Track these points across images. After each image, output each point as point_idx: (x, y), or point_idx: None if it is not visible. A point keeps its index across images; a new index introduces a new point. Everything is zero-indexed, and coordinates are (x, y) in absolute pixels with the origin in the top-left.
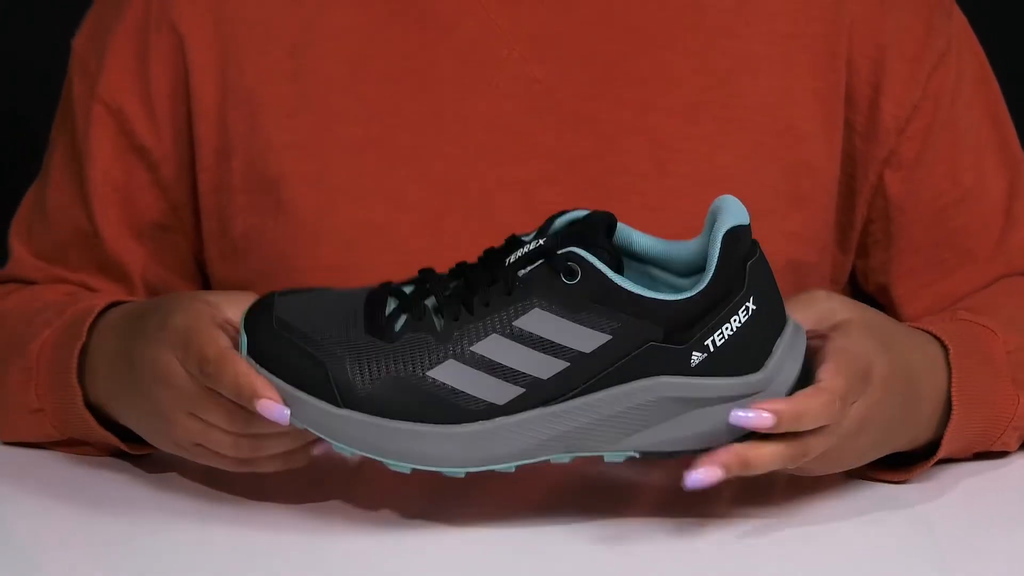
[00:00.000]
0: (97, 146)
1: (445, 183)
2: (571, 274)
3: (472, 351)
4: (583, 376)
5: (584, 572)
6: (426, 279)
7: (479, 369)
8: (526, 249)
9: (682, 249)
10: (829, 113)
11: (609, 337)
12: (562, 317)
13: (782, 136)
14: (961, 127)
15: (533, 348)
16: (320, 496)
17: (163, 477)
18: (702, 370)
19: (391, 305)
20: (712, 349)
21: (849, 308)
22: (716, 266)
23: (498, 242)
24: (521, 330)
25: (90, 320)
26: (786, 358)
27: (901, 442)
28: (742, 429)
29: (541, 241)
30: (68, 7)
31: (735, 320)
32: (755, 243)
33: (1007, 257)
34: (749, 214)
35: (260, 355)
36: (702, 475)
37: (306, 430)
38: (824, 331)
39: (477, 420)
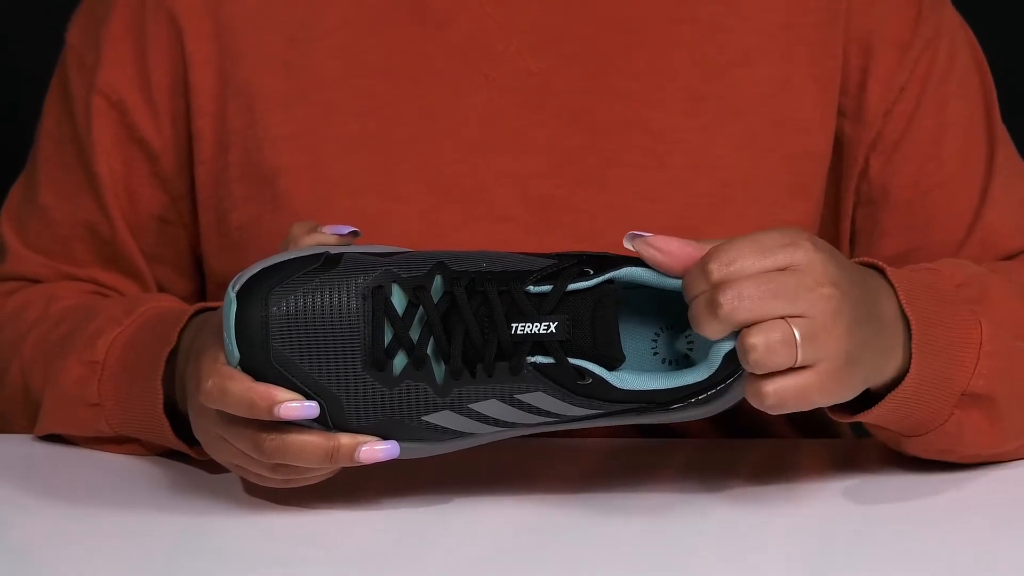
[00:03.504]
0: (99, 139)
1: (441, 176)
2: (582, 377)
3: (470, 407)
4: (573, 423)
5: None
6: (420, 299)
7: (474, 420)
8: (535, 330)
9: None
10: (827, 100)
11: (603, 411)
12: (564, 401)
13: (781, 126)
14: (949, 113)
15: (531, 412)
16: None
17: (165, 477)
18: (680, 407)
19: (388, 335)
20: (693, 401)
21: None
22: (712, 374)
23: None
24: (521, 401)
25: (180, 327)
26: None
27: (875, 355)
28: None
29: (553, 327)
30: (66, 5)
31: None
32: None
33: (978, 236)
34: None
35: (253, 376)
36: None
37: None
38: None
39: (459, 438)
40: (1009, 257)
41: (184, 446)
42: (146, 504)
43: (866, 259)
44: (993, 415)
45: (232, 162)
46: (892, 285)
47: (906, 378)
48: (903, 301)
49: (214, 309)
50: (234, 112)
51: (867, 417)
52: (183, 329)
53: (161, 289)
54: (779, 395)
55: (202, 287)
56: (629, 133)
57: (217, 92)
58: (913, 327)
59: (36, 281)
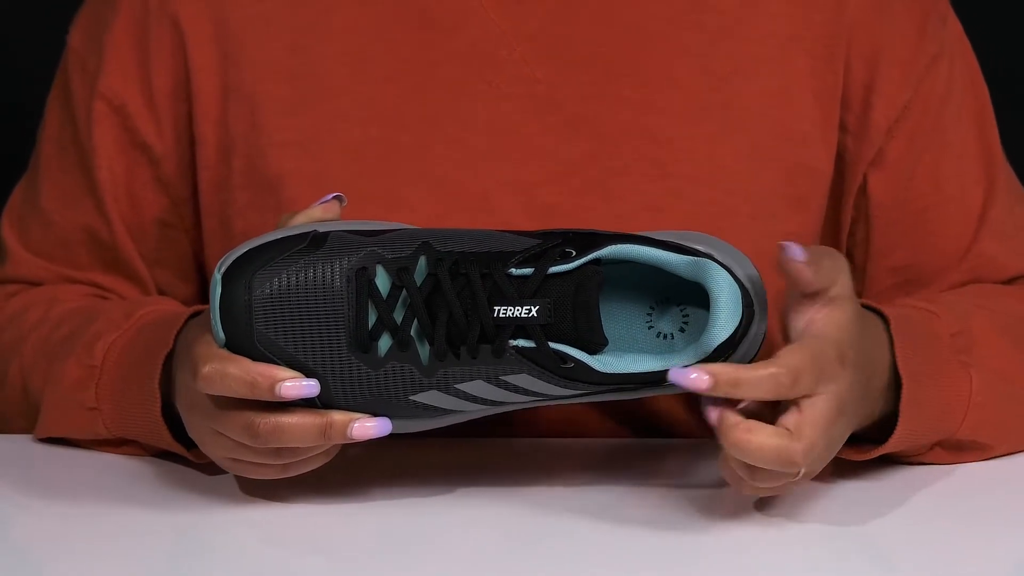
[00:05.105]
0: (100, 143)
1: (445, 184)
2: (564, 361)
3: (457, 387)
4: (563, 400)
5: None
6: (403, 282)
7: (461, 399)
8: (517, 313)
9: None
10: (827, 115)
11: (589, 392)
12: (549, 382)
13: (781, 138)
14: (948, 134)
15: (517, 393)
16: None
17: (165, 477)
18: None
19: (372, 317)
20: None
21: (848, 285)
22: (699, 361)
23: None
24: (507, 382)
25: (176, 329)
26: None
27: (858, 418)
28: None
29: (534, 311)
30: (67, 5)
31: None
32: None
33: (972, 263)
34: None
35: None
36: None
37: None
38: (820, 300)
39: (448, 415)
40: (1007, 281)
41: (182, 449)
42: (146, 504)
43: (872, 303)
44: (978, 451)
45: (235, 168)
46: (891, 337)
47: (893, 435)
48: (898, 358)
49: (200, 312)
50: (237, 118)
51: (848, 456)
52: (180, 332)
53: (161, 293)
54: (758, 494)
55: (203, 290)
56: (634, 141)
57: (219, 97)
58: (904, 386)
59: (36, 284)
